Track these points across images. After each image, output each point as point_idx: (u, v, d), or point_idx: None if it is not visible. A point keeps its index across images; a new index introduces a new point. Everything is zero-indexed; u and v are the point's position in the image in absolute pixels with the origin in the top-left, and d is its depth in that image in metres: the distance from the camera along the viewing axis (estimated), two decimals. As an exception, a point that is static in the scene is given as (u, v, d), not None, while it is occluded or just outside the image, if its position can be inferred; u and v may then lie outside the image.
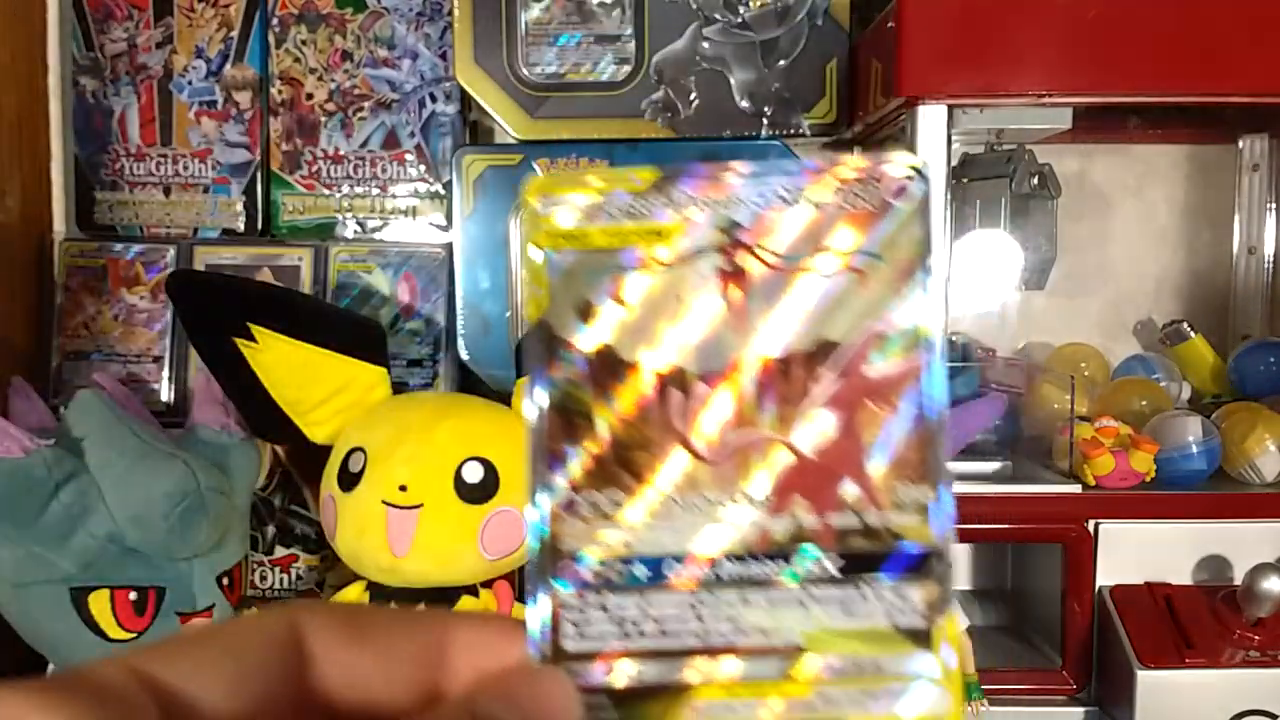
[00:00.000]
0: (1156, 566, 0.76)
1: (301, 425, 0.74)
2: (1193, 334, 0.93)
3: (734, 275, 0.23)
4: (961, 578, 0.89)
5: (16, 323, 0.91)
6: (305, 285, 0.90)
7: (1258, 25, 0.73)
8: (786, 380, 0.23)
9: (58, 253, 0.92)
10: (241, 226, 0.93)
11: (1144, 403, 0.83)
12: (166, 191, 0.94)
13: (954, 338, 0.88)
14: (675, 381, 0.23)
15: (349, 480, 0.71)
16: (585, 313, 0.23)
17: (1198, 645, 0.71)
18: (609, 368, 0.23)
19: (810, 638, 0.23)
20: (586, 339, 0.23)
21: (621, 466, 0.23)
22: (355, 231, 0.93)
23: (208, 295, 0.74)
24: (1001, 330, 0.94)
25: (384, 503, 0.69)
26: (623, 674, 0.23)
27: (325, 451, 0.75)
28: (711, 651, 0.23)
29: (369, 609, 0.22)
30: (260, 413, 0.74)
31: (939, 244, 0.23)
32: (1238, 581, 0.72)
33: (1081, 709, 0.74)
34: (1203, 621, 0.72)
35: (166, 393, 0.90)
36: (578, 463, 0.23)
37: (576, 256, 0.23)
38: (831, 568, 0.23)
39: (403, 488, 0.69)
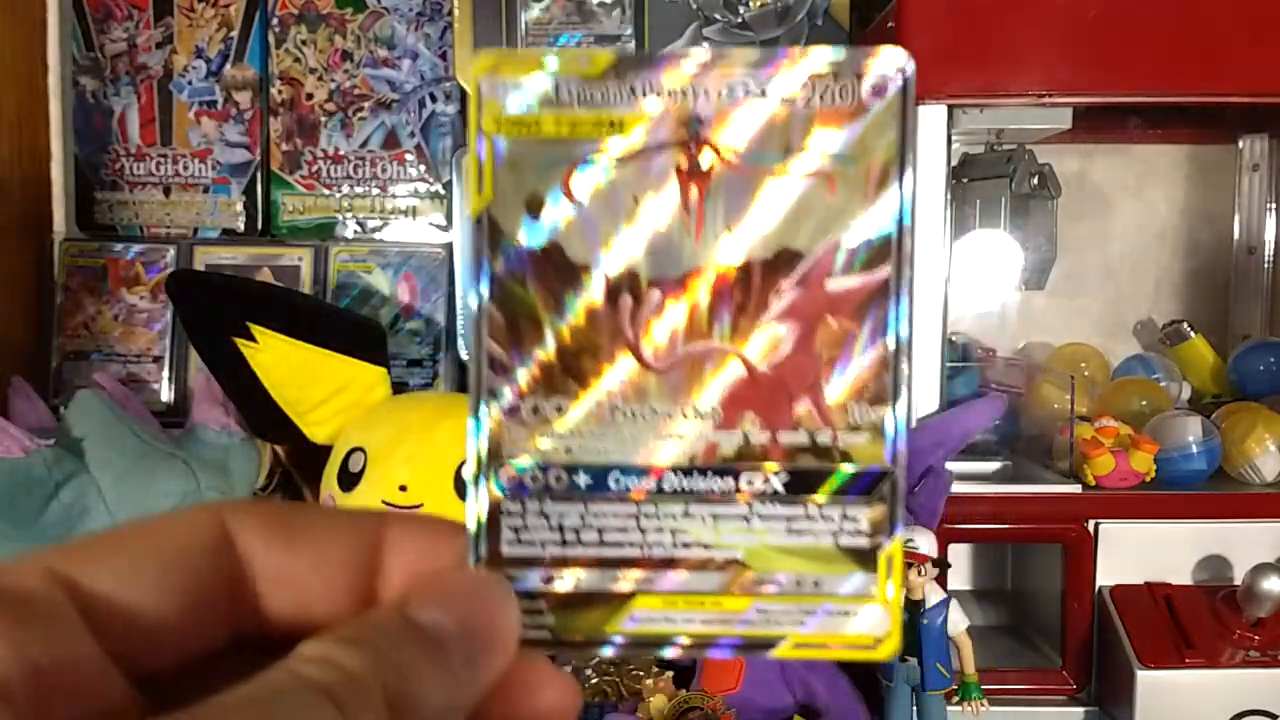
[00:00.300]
0: (1156, 566, 0.76)
1: (301, 425, 0.74)
2: (1193, 334, 0.93)
3: (693, 174, 0.22)
4: (962, 578, 0.89)
5: (16, 323, 0.91)
6: (305, 285, 0.90)
7: (1258, 25, 0.73)
8: (744, 290, 0.22)
9: (58, 253, 0.92)
10: (241, 226, 0.93)
11: (1144, 403, 0.83)
12: (166, 191, 0.94)
13: (954, 337, 0.88)
14: (626, 285, 0.22)
15: (349, 480, 0.71)
16: (532, 206, 0.22)
17: (1198, 645, 0.71)
18: (556, 267, 0.22)
19: (752, 553, 0.22)
20: (533, 235, 0.22)
21: (566, 372, 0.22)
22: (355, 231, 0.93)
23: (208, 295, 0.74)
24: (1001, 330, 0.94)
25: (384, 503, 0.69)
26: (561, 581, 0.22)
27: (325, 451, 0.75)
28: (652, 563, 0.22)
29: (300, 507, 0.21)
30: (260, 413, 0.74)
31: (912, 149, 0.21)
32: (1238, 581, 0.72)
33: (1081, 709, 0.74)
34: (1203, 621, 0.72)
35: (166, 393, 0.90)
36: (521, 366, 0.22)
37: (525, 145, 0.22)
38: (778, 485, 0.22)
39: (403, 488, 0.69)
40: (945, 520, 0.71)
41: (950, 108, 0.74)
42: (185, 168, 0.93)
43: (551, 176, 0.22)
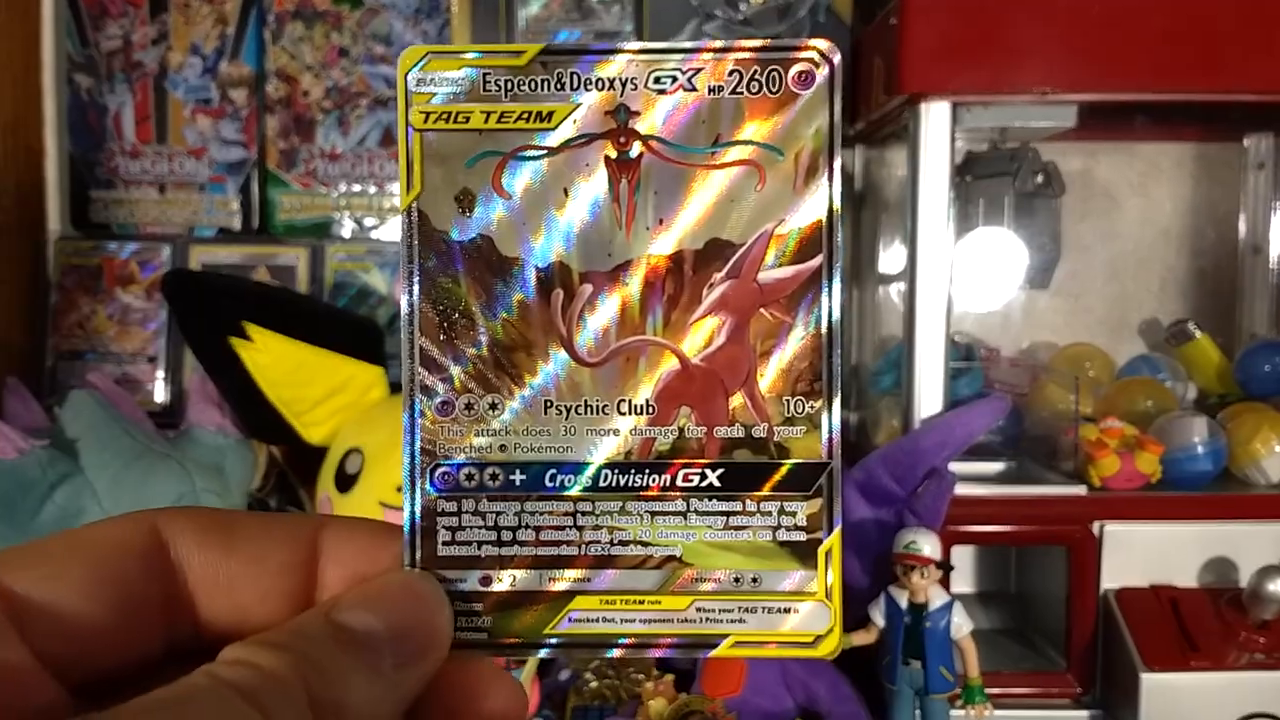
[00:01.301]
0: (1162, 568, 0.75)
1: (298, 426, 0.74)
2: (1198, 334, 0.92)
3: (622, 165, 0.22)
4: (965, 580, 0.88)
5: (10, 322, 0.90)
6: (302, 284, 0.90)
7: (1264, 23, 0.73)
8: (676, 282, 0.22)
9: (52, 251, 0.91)
10: (238, 225, 0.93)
11: (1149, 403, 0.83)
12: (162, 190, 0.93)
13: (957, 337, 0.88)
14: (558, 279, 0.22)
15: (346, 481, 0.71)
16: (462, 201, 0.22)
17: (1203, 648, 0.71)
18: (487, 262, 0.22)
19: (690, 550, 0.22)
20: (463, 229, 0.22)
21: (500, 368, 0.22)
22: (352, 230, 0.93)
23: (203, 294, 0.74)
24: (1005, 330, 0.94)
25: (381, 504, 0.69)
26: (498, 582, 0.22)
27: (322, 453, 0.75)
28: (589, 561, 0.22)
29: (236, 514, 0.21)
30: (256, 413, 0.73)
31: (839, 137, 0.21)
32: (1243, 584, 0.72)
33: (1086, 712, 0.74)
34: (1208, 624, 0.72)
35: (161, 393, 0.90)
36: (454, 363, 0.22)
37: (453, 138, 0.22)
38: (714, 480, 0.22)
39: (400, 489, 0.68)
40: (949, 522, 0.70)
41: (954, 105, 0.73)
42: (181, 166, 0.92)
43: (481, 170, 0.22)
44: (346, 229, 0.93)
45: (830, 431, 0.22)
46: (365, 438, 0.72)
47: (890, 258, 0.92)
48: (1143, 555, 0.75)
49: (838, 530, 0.22)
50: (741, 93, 0.22)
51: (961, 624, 0.67)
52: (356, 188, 0.92)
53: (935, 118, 0.73)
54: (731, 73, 0.22)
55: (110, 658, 0.19)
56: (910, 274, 0.76)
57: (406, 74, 0.22)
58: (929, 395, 0.76)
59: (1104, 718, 0.73)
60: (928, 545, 0.66)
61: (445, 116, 0.22)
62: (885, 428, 0.86)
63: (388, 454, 0.70)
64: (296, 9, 0.92)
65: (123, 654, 0.19)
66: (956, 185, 0.78)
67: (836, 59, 0.22)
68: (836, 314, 0.22)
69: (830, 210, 0.22)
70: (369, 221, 0.93)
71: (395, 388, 0.80)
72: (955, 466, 0.72)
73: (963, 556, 0.86)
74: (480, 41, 0.87)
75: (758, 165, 0.22)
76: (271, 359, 0.72)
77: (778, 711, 0.69)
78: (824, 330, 0.22)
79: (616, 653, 0.22)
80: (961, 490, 0.72)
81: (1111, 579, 0.75)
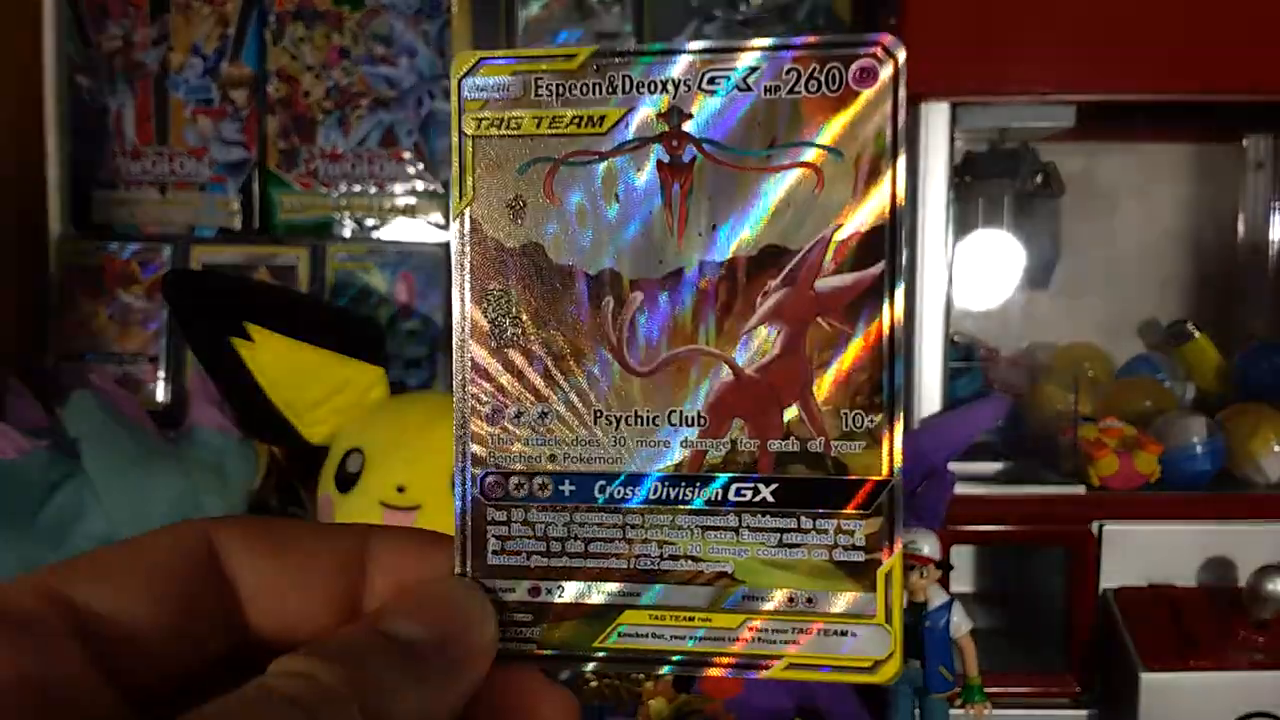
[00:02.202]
0: (1161, 568, 0.75)
1: (298, 426, 0.74)
2: (1197, 334, 0.92)
3: (675, 169, 0.21)
4: (965, 580, 0.88)
5: (11, 322, 0.90)
6: (302, 285, 0.90)
7: (1263, 24, 0.73)
8: (729, 289, 0.21)
9: (53, 252, 0.91)
10: (238, 225, 0.93)
11: (1148, 403, 0.83)
12: (163, 190, 0.93)
13: (957, 337, 0.88)
14: (608, 287, 0.22)
15: (346, 481, 0.71)
16: (514, 208, 0.22)
17: (1202, 647, 0.71)
18: (538, 269, 0.22)
19: (742, 567, 0.21)
20: (514, 237, 0.22)
21: (549, 377, 0.22)
22: (353, 230, 0.93)
23: (204, 295, 0.74)
24: (1005, 330, 0.94)
25: (382, 504, 0.69)
26: (547, 592, 0.22)
27: (322, 452, 0.75)
28: (637, 575, 0.22)
29: (286, 522, 0.21)
30: (257, 413, 0.73)
31: (902, 138, 0.20)
32: (1242, 583, 0.72)
33: (1085, 712, 0.74)
34: (1207, 623, 0.72)
35: (162, 393, 0.90)
36: (504, 371, 0.22)
37: (505, 144, 0.22)
38: (768, 495, 0.21)
39: (401, 489, 0.68)
40: (948, 522, 0.70)
41: (954, 106, 0.74)
42: (181, 166, 0.92)
43: (532, 176, 0.22)
44: (347, 229, 0.93)
45: (892, 447, 0.21)
46: (366, 438, 0.72)
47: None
48: (1142, 555, 0.75)
49: (899, 551, 0.21)
50: (799, 92, 0.21)
51: (961, 623, 0.68)
52: (357, 188, 0.92)
53: (935, 118, 0.73)
54: (788, 71, 0.21)
55: (167, 668, 0.19)
56: (910, 274, 0.76)
57: (460, 80, 0.22)
58: (929, 395, 0.76)
59: (1103, 717, 0.73)
60: (927, 545, 0.66)
61: (497, 123, 0.22)
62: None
63: (388, 454, 0.70)
64: (297, 9, 0.92)
65: (179, 664, 0.19)
66: (956, 186, 0.78)
67: (901, 55, 0.21)
68: (898, 324, 0.21)
69: (894, 215, 0.21)
70: (369, 222, 0.93)
71: (396, 388, 0.80)
72: (955, 466, 0.72)
73: (962, 556, 0.86)
74: (480, 41, 0.87)
75: (816, 168, 0.21)
76: (272, 359, 0.72)
77: (777, 711, 0.69)
78: (885, 341, 0.21)
79: (670, 670, 0.22)
80: (961, 490, 0.72)
81: (1110, 578, 0.75)
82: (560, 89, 0.21)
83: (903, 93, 0.21)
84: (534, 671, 0.21)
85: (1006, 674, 0.75)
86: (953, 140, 0.75)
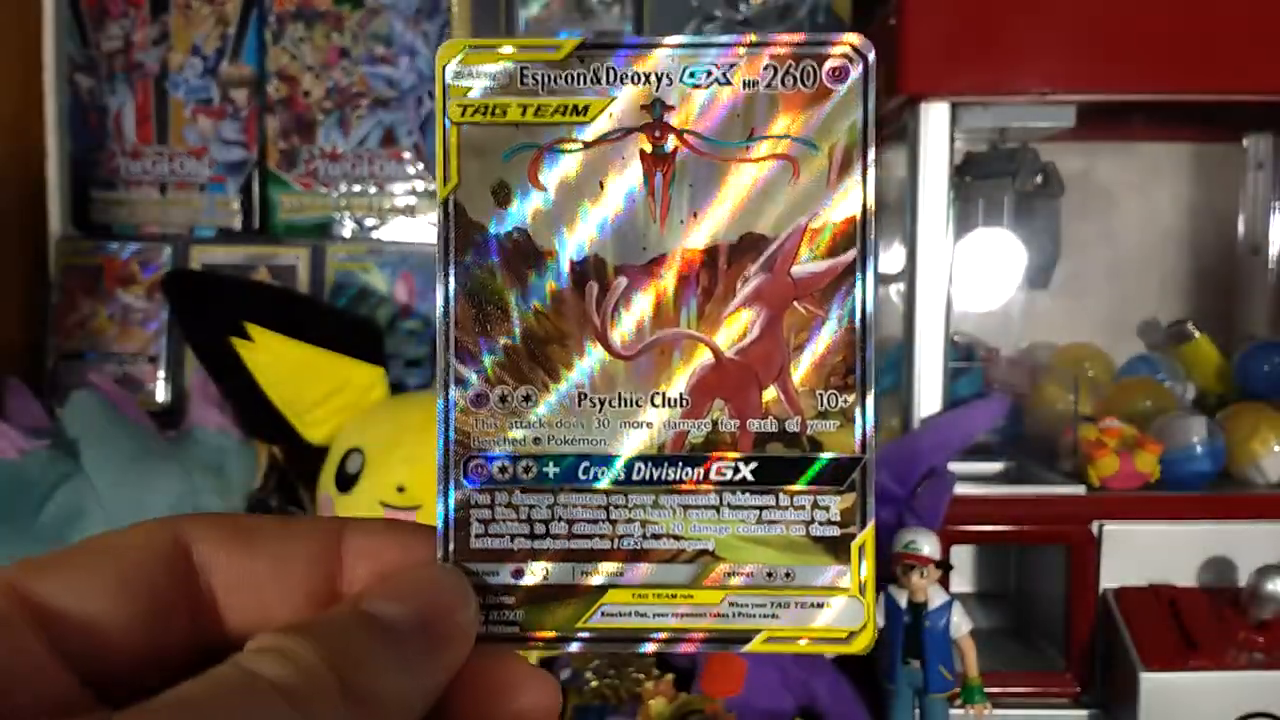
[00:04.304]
0: (1161, 568, 0.75)
1: (298, 426, 0.74)
2: (1197, 334, 0.92)
3: (657, 158, 0.22)
4: (965, 580, 0.88)
5: (11, 322, 0.90)
6: (302, 285, 0.90)
7: (1264, 23, 0.73)
8: (710, 275, 0.22)
9: (53, 252, 0.91)
10: (238, 225, 0.93)
11: (1149, 403, 0.83)
12: (162, 190, 0.93)
13: (957, 337, 0.88)
14: (593, 272, 0.22)
15: (346, 481, 0.71)
16: (499, 194, 0.22)
17: (1202, 648, 0.71)
18: (523, 254, 0.22)
19: (723, 544, 0.22)
20: (500, 222, 0.22)
21: (534, 360, 0.22)
22: (353, 230, 0.93)
23: (204, 294, 0.74)
24: (1005, 330, 0.94)
25: (381, 504, 0.69)
26: (530, 575, 0.22)
27: (322, 453, 0.75)
28: (622, 555, 0.22)
29: (257, 517, 0.21)
30: (256, 413, 0.73)
31: (874, 133, 0.22)
32: (1243, 583, 0.72)
33: (1085, 712, 0.74)
34: (1207, 624, 0.72)
35: (162, 393, 0.90)
36: (488, 355, 0.22)
37: (490, 131, 0.22)
38: (748, 473, 0.22)
39: (401, 489, 0.68)
40: (948, 522, 0.70)
41: (953, 106, 0.74)
42: (181, 166, 0.92)
43: (517, 163, 0.22)
44: (347, 229, 0.93)
45: (864, 426, 0.22)
46: (366, 437, 0.72)
47: (890, 258, 0.92)
48: (1142, 555, 0.75)
49: (871, 525, 0.22)
50: (776, 87, 0.22)
51: (961, 623, 0.67)
52: (357, 188, 0.92)
53: (935, 118, 0.73)
54: (766, 67, 0.22)
55: (138, 662, 0.19)
56: (910, 274, 0.76)
57: (444, 67, 0.22)
58: (929, 395, 0.76)
59: (1103, 717, 0.73)
60: (927, 545, 0.66)
61: (483, 110, 0.22)
62: (885, 428, 0.86)
63: (388, 454, 0.70)
64: (297, 9, 0.92)
65: (150, 658, 0.19)
66: (956, 185, 0.78)
67: (870, 55, 0.22)
68: (870, 308, 0.22)
69: (864, 205, 0.22)
70: (369, 222, 0.93)
71: (396, 388, 0.80)
72: (955, 466, 0.72)
73: (962, 556, 0.86)
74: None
75: (792, 160, 0.22)
76: (272, 359, 0.72)
77: (778, 711, 0.69)
78: (858, 325, 0.22)
79: (650, 648, 0.22)
80: (961, 490, 0.72)
81: (1111, 578, 0.75)
82: (545, 79, 0.22)
83: (873, 89, 0.22)
84: (514, 655, 0.22)
85: (1006, 674, 0.75)
86: (953, 140, 0.75)
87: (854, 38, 0.22)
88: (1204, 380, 0.91)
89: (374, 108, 0.92)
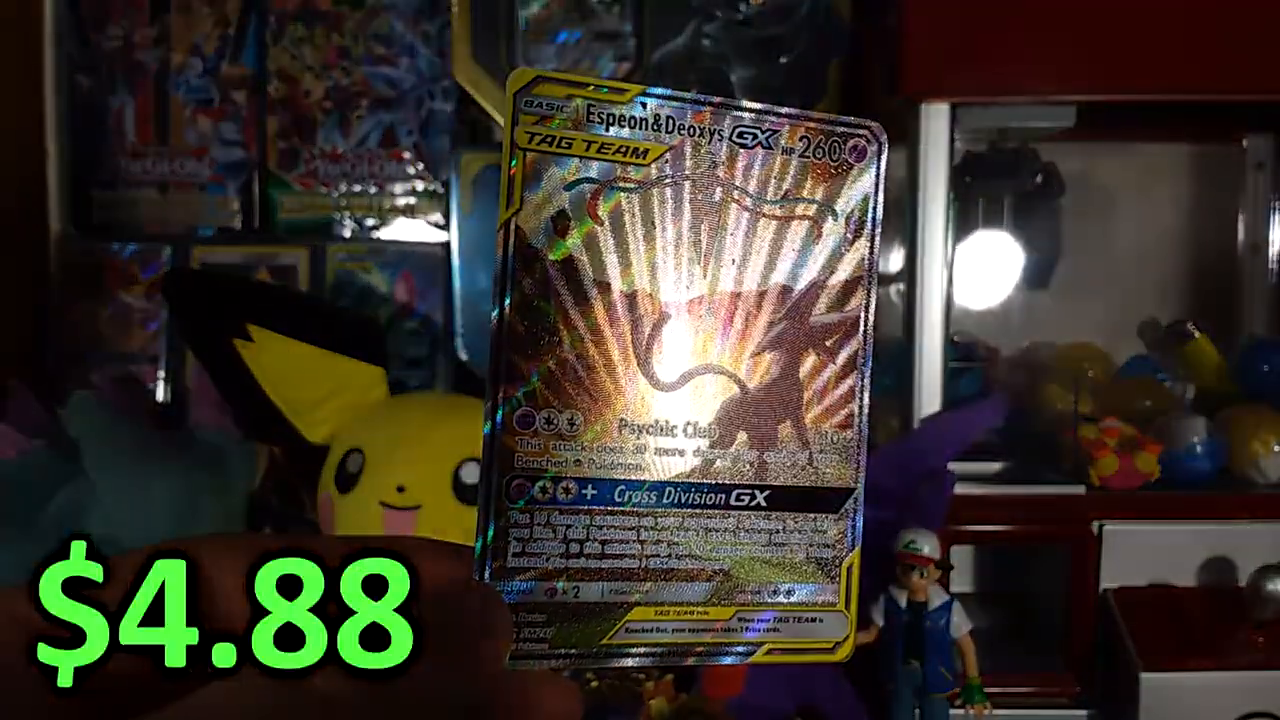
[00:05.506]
0: (1161, 568, 0.75)
1: (299, 425, 0.74)
2: (1197, 334, 0.92)
3: (706, 207, 0.24)
4: (965, 580, 0.88)
5: (12, 323, 0.90)
6: (303, 285, 0.90)
7: (1263, 24, 0.73)
8: (742, 317, 0.24)
9: (53, 251, 0.91)
10: (238, 225, 0.93)
11: (1148, 403, 0.83)
12: (163, 190, 0.93)
13: (957, 337, 0.88)
14: (640, 305, 0.24)
15: (346, 481, 0.71)
16: (559, 223, 0.23)
17: (1202, 647, 0.71)
18: (576, 283, 0.23)
19: (737, 564, 0.24)
20: (557, 250, 0.23)
21: (579, 386, 0.23)
22: (353, 230, 0.93)
23: (204, 294, 0.74)
24: (1005, 330, 0.94)
25: (381, 504, 0.69)
26: (562, 594, 0.23)
27: (322, 452, 0.75)
28: (649, 574, 0.24)
29: (272, 538, 0.22)
30: (257, 413, 0.73)
31: (882, 202, 0.26)
32: (1242, 583, 0.72)
33: (1085, 712, 0.74)
34: (1207, 623, 0.72)
35: (163, 393, 0.90)
36: (538, 378, 0.23)
37: (555, 161, 0.23)
38: (762, 500, 0.24)
39: (401, 489, 0.68)
40: (948, 522, 0.70)
41: (954, 106, 0.74)
42: (182, 166, 0.92)
43: (578, 195, 0.23)
44: (347, 229, 0.93)
45: (858, 460, 0.25)
46: (366, 437, 0.72)
47: (890, 258, 0.92)
48: (1142, 554, 0.75)
49: (858, 548, 0.25)
50: (808, 157, 0.25)
51: (960, 623, 0.68)
52: (357, 188, 0.92)
53: (935, 119, 0.73)
54: (802, 138, 0.24)
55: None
56: (910, 274, 0.76)
57: (515, 94, 0.23)
58: (929, 395, 0.76)
59: (1103, 717, 0.73)
60: (927, 545, 0.66)
61: (549, 140, 0.23)
62: (884, 428, 0.86)
63: (388, 454, 0.70)
64: (297, 10, 0.92)
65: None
66: (956, 186, 0.78)
67: (884, 138, 0.25)
68: (869, 359, 0.25)
69: (870, 268, 0.25)
70: (369, 222, 0.93)
71: (396, 388, 0.80)
72: (955, 466, 0.72)
73: (962, 556, 0.86)
74: (481, 41, 0.87)
75: (816, 221, 0.25)
76: (272, 358, 0.72)
77: (778, 711, 0.69)
78: (858, 371, 0.25)
79: (666, 663, 0.24)
80: (961, 490, 0.72)
81: (1110, 578, 0.75)
82: (611, 119, 0.23)
83: (883, 169, 0.25)
84: (540, 669, 0.22)
85: (1006, 674, 0.75)
86: (953, 141, 0.75)
87: (873, 124, 0.25)
88: (1204, 380, 0.91)
89: (374, 108, 0.92)
